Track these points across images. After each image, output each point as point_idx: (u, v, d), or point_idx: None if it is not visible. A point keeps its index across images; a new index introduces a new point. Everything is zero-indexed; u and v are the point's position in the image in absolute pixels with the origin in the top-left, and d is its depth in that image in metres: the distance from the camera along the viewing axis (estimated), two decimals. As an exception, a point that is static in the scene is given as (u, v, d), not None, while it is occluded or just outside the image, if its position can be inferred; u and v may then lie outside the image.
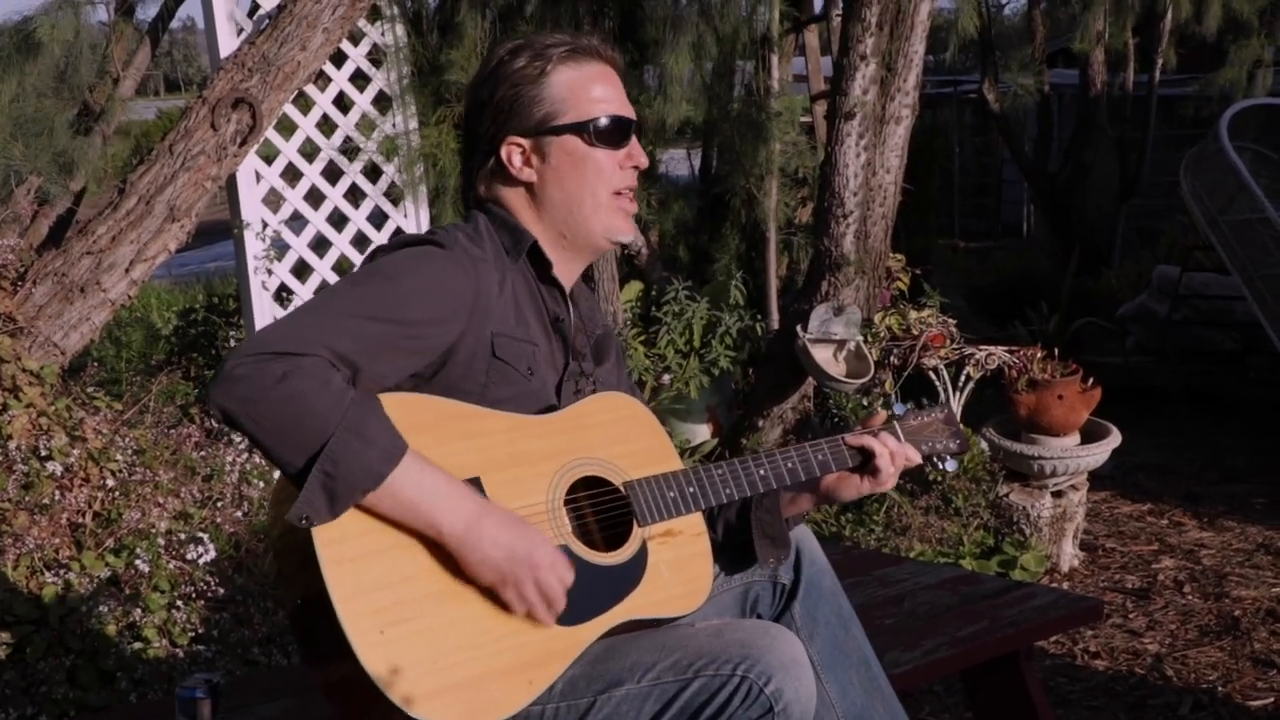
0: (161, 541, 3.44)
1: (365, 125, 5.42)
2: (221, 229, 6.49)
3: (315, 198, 5.28)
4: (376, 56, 5.42)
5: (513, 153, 1.89)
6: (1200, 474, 5.86)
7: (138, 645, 3.20)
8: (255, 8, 5.05)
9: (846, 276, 5.14)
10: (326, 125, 5.34)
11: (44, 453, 3.50)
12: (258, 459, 4.03)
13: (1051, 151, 10.04)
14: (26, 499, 3.37)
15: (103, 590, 3.26)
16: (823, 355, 5.03)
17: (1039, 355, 4.75)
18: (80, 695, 3.02)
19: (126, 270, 4.50)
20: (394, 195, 5.50)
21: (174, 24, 5.83)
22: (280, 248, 5.13)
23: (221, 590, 3.45)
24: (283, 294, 5.13)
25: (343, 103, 5.37)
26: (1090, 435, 4.73)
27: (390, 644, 1.60)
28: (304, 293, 5.16)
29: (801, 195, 6.71)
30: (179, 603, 3.33)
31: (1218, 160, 6.65)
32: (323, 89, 5.27)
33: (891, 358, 5.06)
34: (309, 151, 5.29)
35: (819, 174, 5.54)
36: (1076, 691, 3.63)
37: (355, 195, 5.48)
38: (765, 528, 2.02)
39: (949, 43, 7.46)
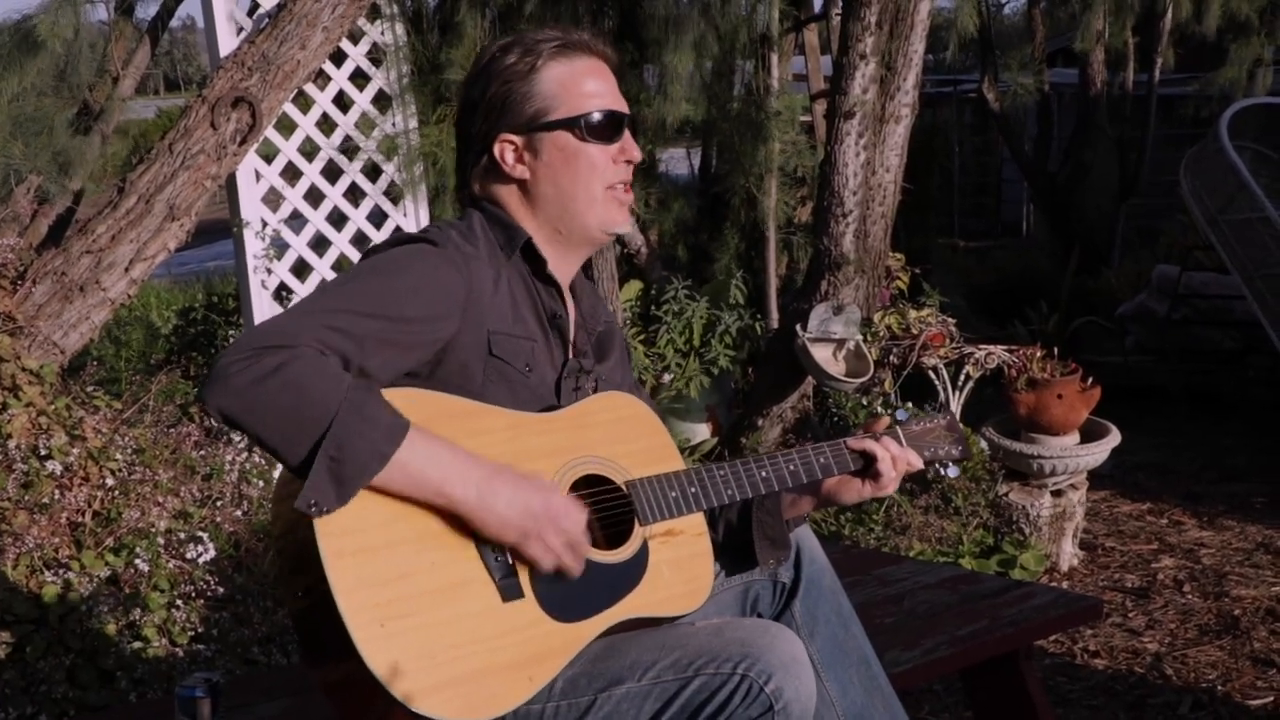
0: (161, 541, 3.44)
1: (365, 124, 5.42)
2: (221, 228, 6.49)
3: (315, 197, 5.28)
4: (376, 55, 5.42)
5: (505, 150, 1.89)
6: (1200, 473, 5.86)
7: (137, 644, 3.20)
8: (255, 7, 5.04)
9: (846, 276, 5.14)
10: (326, 124, 5.34)
11: (43, 452, 3.50)
12: (257, 458, 4.03)
13: (1051, 151, 10.04)
14: (26, 498, 3.37)
15: (102, 589, 3.26)
16: (822, 354, 5.03)
17: (1038, 354, 4.75)
18: (80, 694, 3.02)
19: (126, 269, 4.50)
20: (394, 194, 5.50)
21: (174, 23, 5.84)
22: (280, 247, 5.13)
23: (221, 589, 3.45)
24: (282, 293, 5.13)
25: (342, 102, 5.37)
26: (1090, 434, 4.74)
27: (391, 638, 1.60)
28: (304, 292, 5.16)
29: (801, 194, 6.71)
30: (179, 602, 3.33)
31: (1217, 159, 6.65)
32: (322, 88, 5.27)
33: (891, 357, 5.06)
34: (309, 150, 5.29)
35: (818, 173, 5.54)
36: (1076, 691, 3.63)
37: (355, 194, 5.48)
38: (766, 529, 2.02)
39: (949, 42, 7.46)
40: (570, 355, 1.93)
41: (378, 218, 5.48)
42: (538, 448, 1.79)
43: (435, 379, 1.76)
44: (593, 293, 2.05)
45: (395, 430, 1.61)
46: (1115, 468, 5.62)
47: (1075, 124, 9.69)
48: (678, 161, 9.42)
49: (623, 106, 1.92)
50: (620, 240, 6.12)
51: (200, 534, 3.50)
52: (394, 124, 5.44)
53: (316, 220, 5.28)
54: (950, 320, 5.13)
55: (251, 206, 5.04)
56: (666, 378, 5.62)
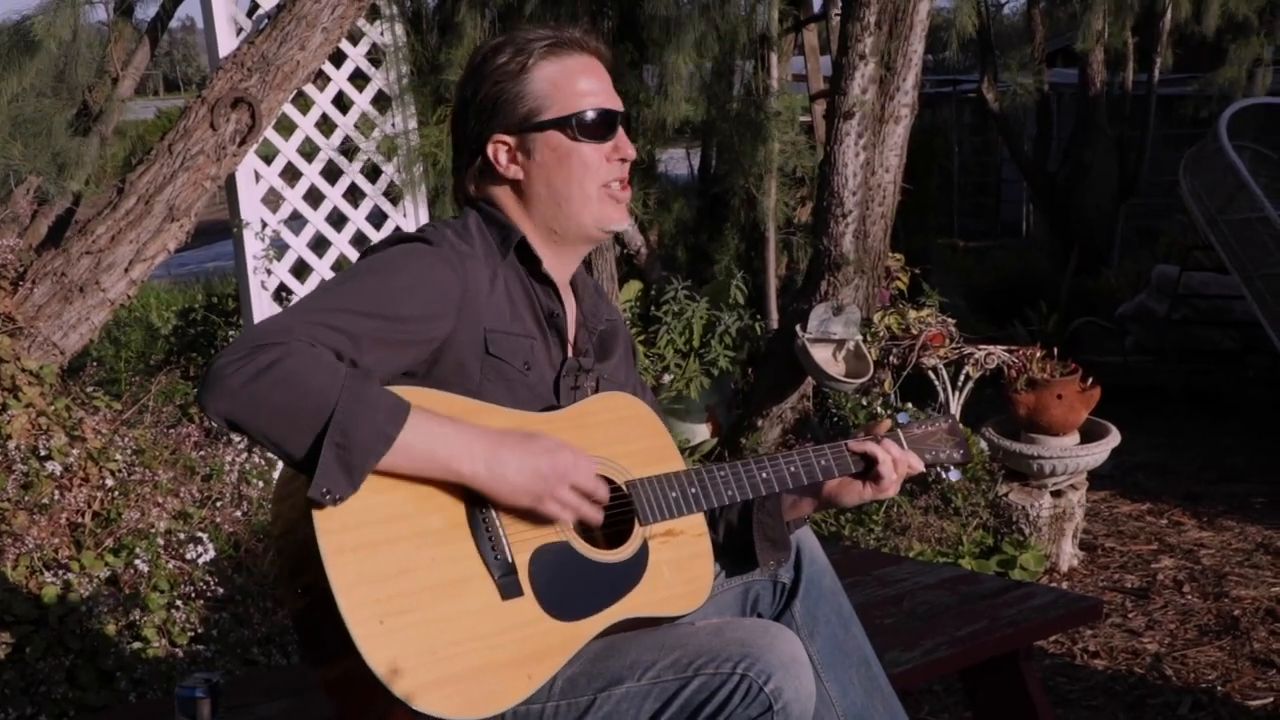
0: (161, 541, 3.44)
1: (364, 125, 5.42)
2: (221, 228, 6.49)
3: (314, 197, 5.28)
4: (376, 56, 5.42)
5: (499, 151, 1.89)
6: (1199, 473, 5.86)
7: (137, 645, 3.20)
8: (254, 7, 5.04)
9: (845, 276, 5.14)
10: (326, 125, 5.34)
11: (43, 452, 3.50)
12: (257, 458, 4.03)
13: (1051, 151, 10.04)
14: (26, 499, 3.37)
15: (102, 590, 3.26)
16: (822, 355, 5.03)
17: (1038, 355, 4.75)
18: (80, 695, 3.02)
19: (126, 270, 4.50)
20: (393, 195, 5.50)
21: (173, 23, 5.84)
22: (279, 247, 5.13)
23: (221, 590, 3.45)
24: (282, 293, 5.13)
25: (342, 102, 5.37)
26: (1089, 435, 4.74)
27: (390, 634, 1.60)
28: (303, 292, 5.15)
29: (801, 195, 6.72)
30: (178, 602, 3.33)
31: (1217, 159, 6.65)
32: (322, 89, 5.27)
33: (891, 357, 5.06)
34: (308, 151, 5.29)
35: (818, 173, 5.54)
36: (1076, 691, 3.63)
37: (354, 195, 5.49)
38: (766, 530, 2.02)
39: (948, 42, 7.45)
40: (570, 354, 1.93)
41: (377, 218, 5.48)
42: (537, 447, 1.79)
43: (432, 378, 1.76)
44: (595, 291, 2.04)
45: (397, 412, 1.62)
46: (1115, 468, 5.62)
47: (1075, 124, 9.69)
48: (677, 162, 9.43)
49: (616, 104, 1.91)
50: (620, 240, 6.12)
51: (200, 534, 3.50)
52: (393, 124, 5.44)
53: (316, 221, 5.28)
54: (950, 320, 5.13)
55: (251, 207, 5.04)
56: (666, 378, 5.62)
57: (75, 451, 3.52)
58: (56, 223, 5.15)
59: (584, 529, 1.82)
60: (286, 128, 5.20)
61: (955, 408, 4.96)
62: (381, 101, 5.50)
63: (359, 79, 5.40)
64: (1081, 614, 2.89)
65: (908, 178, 5.50)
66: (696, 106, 6.41)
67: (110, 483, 3.50)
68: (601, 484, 1.77)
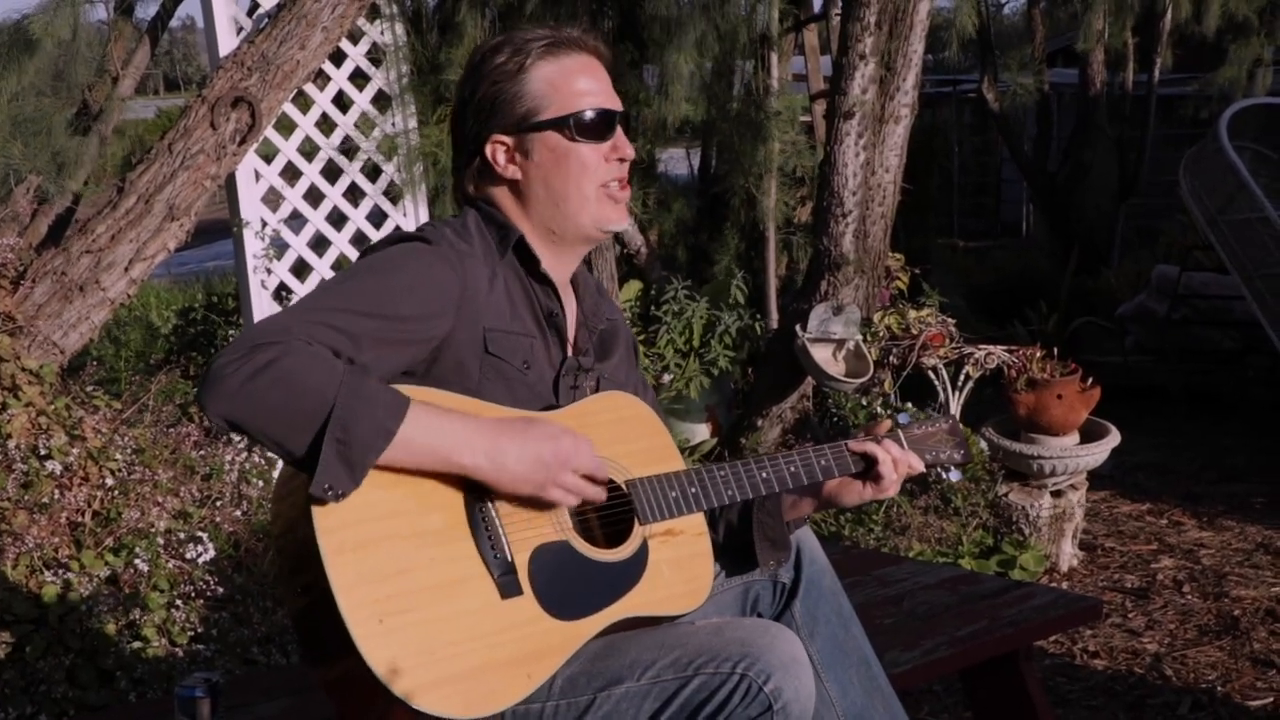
0: (161, 541, 3.44)
1: (365, 124, 5.42)
2: (221, 228, 6.49)
3: (314, 197, 5.28)
4: (376, 55, 5.42)
5: (497, 151, 1.89)
6: (1199, 474, 5.86)
7: (137, 644, 3.20)
8: (255, 6, 5.04)
9: (845, 276, 5.14)
10: (326, 124, 5.34)
11: (43, 452, 3.50)
12: (257, 458, 4.03)
13: (1051, 151, 10.04)
14: (26, 498, 3.37)
15: (102, 589, 3.26)
16: (822, 355, 5.03)
17: (1038, 355, 4.75)
18: (80, 694, 3.02)
19: (126, 269, 4.50)
20: (393, 194, 5.50)
21: (173, 23, 5.84)
22: (279, 246, 5.13)
23: (221, 589, 3.45)
24: (282, 293, 5.13)
25: (342, 102, 5.37)
26: (1089, 435, 4.74)
27: (390, 634, 1.60)
28: (303, 292, 5.15)
29: (801, 194, 6.72)
30: (178, 602, 3.33)
31: (1217, 159, 6.65)
32: (322, 88, 5.27)
33: (890, 357, 5.06)
34: (308, 150, 5.29)
35: (818, 173, 5.54)
36: (1076, 691, 3.63)
37: (354, 194, 5.48)
38: (766, 530, 2.02)
39: (948, 42, 7.45)
40: (569, 353, 1.93)
41: (377, 218, 5.48)
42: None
43: (431, 377, 1.76)
44: (596, 291, 2.04)
45: (397, 406, 1.62)
46: (1115, 468, 5.62)
47: (1075, 124, 9.69)
48: (677, 161, 9.43)
49: (614, 104, 1.91)
50: (620, 240, 6.12)
51: (200, 534, 3.50)
52: (394, 124, 5.44)
53: (316, 220, 5.28)
54: (950, 320, 5.13)
55: (251, 206, 5.04)
56: (666, 378, 5.62)
57: (75, 451, 3.52)
58: (56, 222, 5.15)
59: (584, 527, 1.82)
60: (287, 127, 5.20)
61: (955, 408, 4.96)
62: (381, 101, 5.50)
63: (359, 78, 5.40)
64: (1081, 614, 2.89)
65: (908, 178, 5.50)
66: (696, 106, 6.41)
67: (110, 482, 3.50)
68: (603, 463, 1.77)
